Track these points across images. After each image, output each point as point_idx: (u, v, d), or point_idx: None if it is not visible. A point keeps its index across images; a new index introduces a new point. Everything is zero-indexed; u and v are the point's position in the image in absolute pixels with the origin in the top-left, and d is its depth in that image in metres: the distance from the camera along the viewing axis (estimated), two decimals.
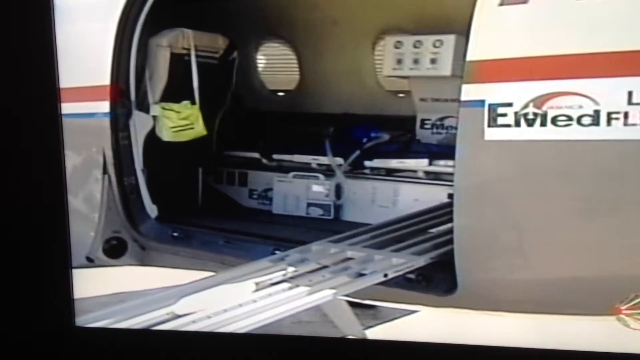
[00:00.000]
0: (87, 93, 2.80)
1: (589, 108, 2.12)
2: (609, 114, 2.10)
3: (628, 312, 2.20)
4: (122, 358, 2.55)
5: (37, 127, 2.54)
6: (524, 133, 2.20)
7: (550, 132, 2.17)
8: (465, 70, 2.26)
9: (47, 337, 2.60)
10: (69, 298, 2.58)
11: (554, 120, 2.16)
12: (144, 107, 3.30)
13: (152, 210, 3.27)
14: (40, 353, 2.63)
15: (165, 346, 2.40)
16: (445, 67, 3.27)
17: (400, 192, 3.36)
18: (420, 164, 3.32)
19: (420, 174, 3.33)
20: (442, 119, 3.46)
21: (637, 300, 2.19)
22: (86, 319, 2.54)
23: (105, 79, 2.96)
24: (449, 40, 3.24)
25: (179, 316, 2.27)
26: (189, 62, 3.42)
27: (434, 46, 3.29)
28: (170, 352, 2.46)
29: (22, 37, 2.46)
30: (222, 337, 2.27)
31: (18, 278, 2.60)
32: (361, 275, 2.51)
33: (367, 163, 3.47)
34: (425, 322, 2.49)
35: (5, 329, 2.62)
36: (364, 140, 3.55)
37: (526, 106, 2.18)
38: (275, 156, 3.71)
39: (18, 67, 2.47)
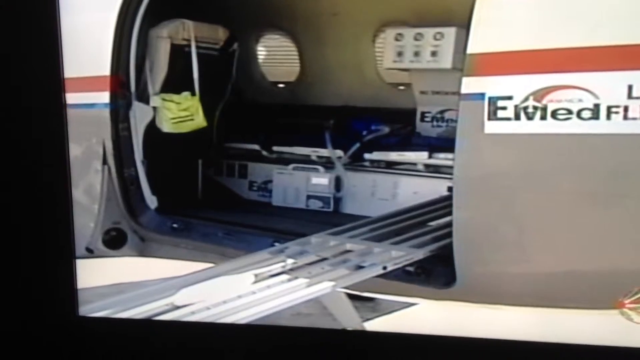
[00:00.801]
0: (87, 84, 2.79)
1: (589, 102, 2.12)
2: (608, 108, 2.10)
3: (632, 305, 2.20)
4: (124, 347, 2.56)
5: (41, 118, 2.54)
6: (524, 126, 2.20)
7: (550, 126, 2.17)
8: (465, 63, 2.26)
9: (50, 327, 2.61)
10: (72, 288, 2.59)
11: (554, 114, 2.16)
12: (144, 98, 3.29)
13: (151, 201, 3.28)
14: (44, 342, 2.64)
15: (166, 336, 2.41)
16: (446, 60, 3.27)
17: (399, 185, 3.36)
18: (420, 157, 3.33)
19: (420, 167, 3.34)
20: (442, 112, 3.46)
21: None
22: (88, 309, 2.55)
23: (106, 70, 2.95)
24: (450, 32, 3.24)
25: (179, 307, 2.28)
26: (189, 54, 3.42)
27: (435, 39, 3.29)
28: (171, 342, 2.47)
29: (27, 27, 2.46)
30: (223, 327, 2.27)
31: (22, 269, 2.61)
32: (360, 267, 2.52)
33: (367, 155, 3.47)
34: (424, 315, 2.50)
35: (10, 319, 2.63)
36: (364, 132, 3.55)
37: (526, 99, 2.18)
38: (275, 148, 3.71)
39: (23, 57, 2.47)
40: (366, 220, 2.99)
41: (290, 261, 2.54)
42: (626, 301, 2.20)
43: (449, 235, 2.42)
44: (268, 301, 2.29)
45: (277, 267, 2.50)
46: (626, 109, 2.09)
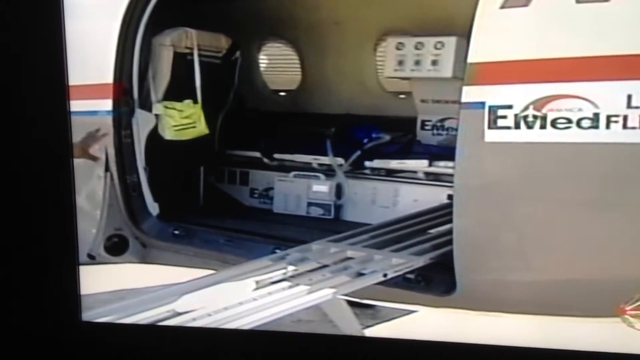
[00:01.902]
0: (90, 91, 2.81)
1: (589, 111, 2.13)
2: (608, 117, 2.11)
3: (633, 312, 2.21)
4: (126, 353, 2.56)
5: (45, 125, 2.55)
6: (524, 135, 2.21)
7: (549, 135, 2.18)
8: (466, 72, 2.28)
9: (54, 332, 2.62)
10: (76, 294, 2.60)
11: (554, 123, 2.17)
12: (146, 105, 3.31)
13: (153, 208, 3.29)
14: (48, 347, 2.64)
15: (167, 342, 2.41)
16: (446, 69, 3.28)
17: (400, 193, 3.37)
18: (420, 165, 3.34)
19: (421, 175, 3.34)
20: (442, 120, 3.47)
21: None
22: (91, 315, 2.56)
23: (109, 78, 2.97)
24: (450, 42, 3.25)
25: (180, 314, 2.29)
26: (191, 62, 3.44)
27: (435, 48, 3.31)
28: (172, 348, 2.47)
29: (32, 34, 2.47)
30: (224, 333, 2.28)
31: (26, 274, 2.62)
32: (361, 274, 2.53)
33: (367, 163, 3.48)
34: (424, 322, 2.50)
35: (13, 325, 2.64)
36: (365, 140, 3.56)
37: (526, 108, 2.20)
38: (276, 156, 3.72)
39: (27, 64, 2.49)
40: (367, 227, 3.00)
41: (291, 268, 2.55)
42: (627, 308, 2.21)
43: (449, 242, 2.42)
44: (269, 308, 2.30)
45: (278, 274, 2.51)
46: (625, 118, 2.10)
